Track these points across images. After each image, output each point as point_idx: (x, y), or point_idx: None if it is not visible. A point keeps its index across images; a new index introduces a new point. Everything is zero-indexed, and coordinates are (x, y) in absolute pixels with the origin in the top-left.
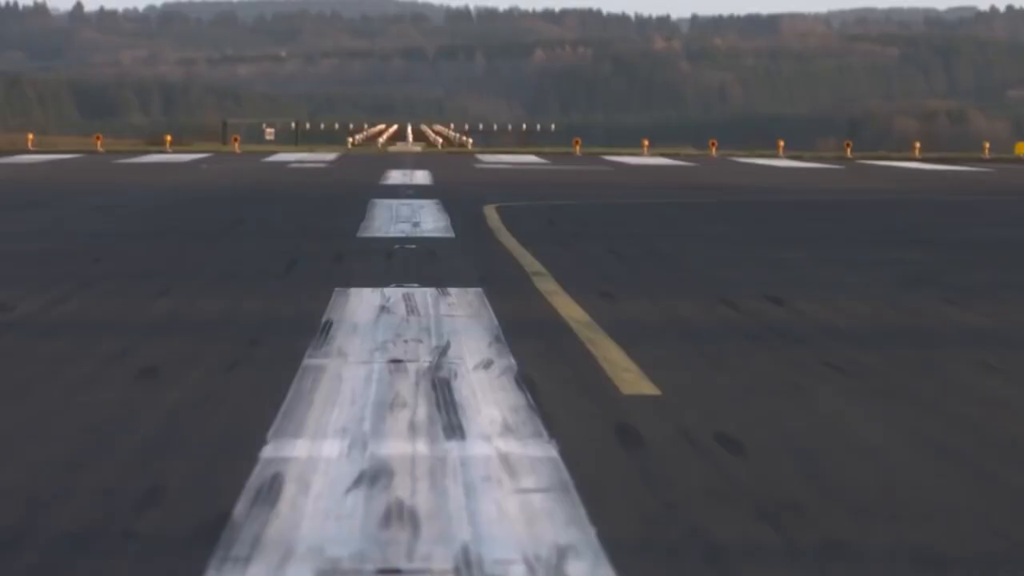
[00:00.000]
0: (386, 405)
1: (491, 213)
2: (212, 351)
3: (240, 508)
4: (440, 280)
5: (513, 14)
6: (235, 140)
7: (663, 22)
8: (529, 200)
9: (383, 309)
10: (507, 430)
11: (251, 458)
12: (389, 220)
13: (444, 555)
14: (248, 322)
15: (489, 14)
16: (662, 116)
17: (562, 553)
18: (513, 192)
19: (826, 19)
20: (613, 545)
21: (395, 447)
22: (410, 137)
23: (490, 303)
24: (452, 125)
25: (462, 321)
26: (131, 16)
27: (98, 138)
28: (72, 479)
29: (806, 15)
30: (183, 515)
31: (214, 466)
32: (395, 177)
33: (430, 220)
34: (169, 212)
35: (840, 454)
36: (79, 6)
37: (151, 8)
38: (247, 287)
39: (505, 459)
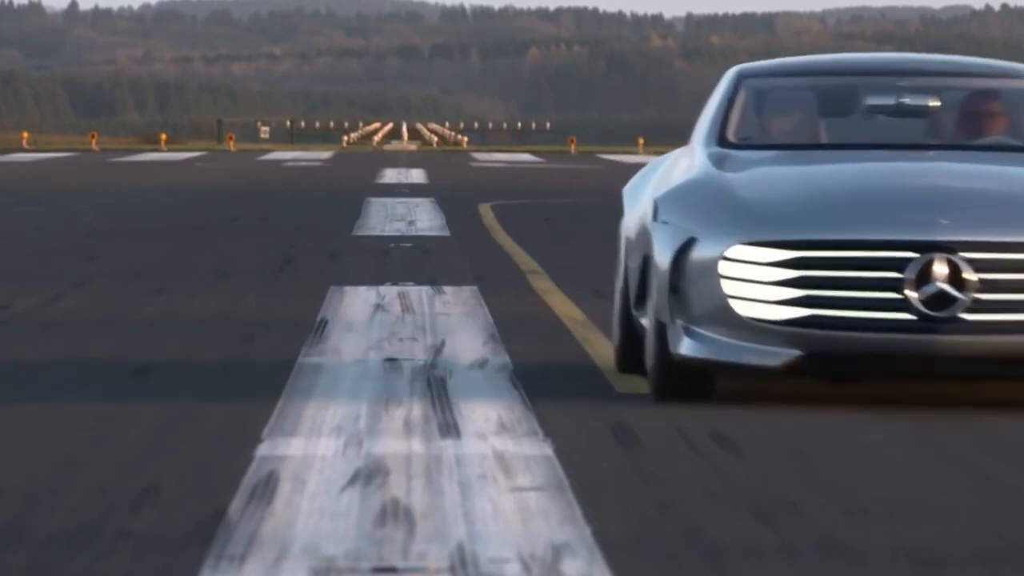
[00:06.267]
0: (381, 403)
1: (486, 211)
2: (207, 349)
3: (235, 506)
4: (435, 278)
5: (508, 12)
6: (230, 139)
7: (658, 20)
8: (524, 199)
9: (378, 307)
10: (502, 428)
11: (246, 456)
12: (384, 218)
13: (439, 553)
14: (243, 320)
15: (484, 12)
16: (658, 114)
17: (557, 551)
18: (508, 191)
19: (821, 17)
20: (608, 544)
21: (390, 445)
22: (405, 135)
23: (485, 301)
24: (447, 123)
25: (457, 319)
26: (126, 14)
27: (93, 136)
28: (67, 477)
29: (801, 13)
30: (178, 513)
31: (209, 464)
32: (390, 176)
33: (425, 218)
34: (164, 210)
35: (837, 453)
36: (74, 4)
37: (146, 7)
38: (242, 285)
39: (500, 457)
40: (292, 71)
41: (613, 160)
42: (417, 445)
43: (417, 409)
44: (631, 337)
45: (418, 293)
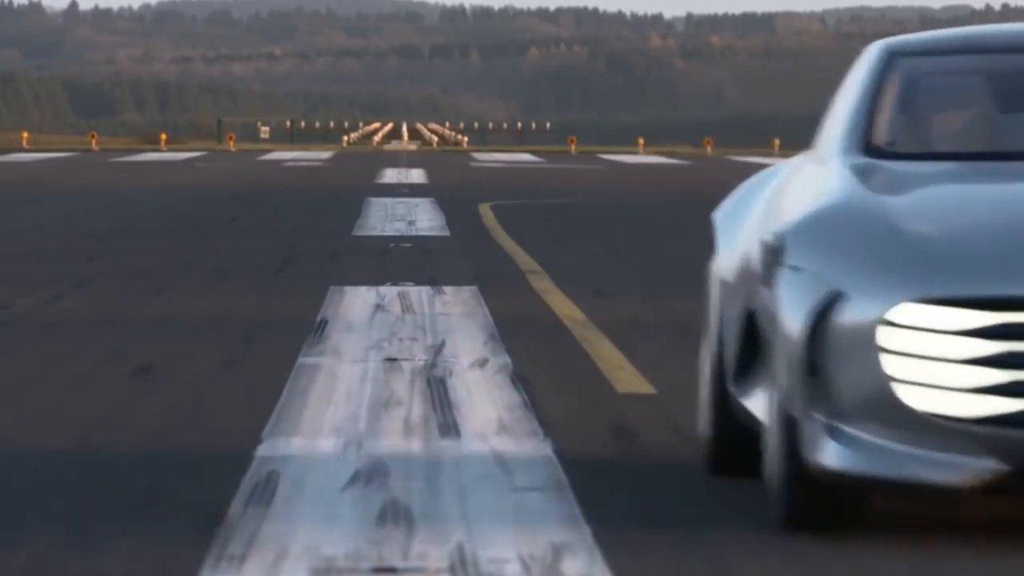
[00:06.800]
0: (381, 404)
1: (486, 211)
2: (207, 349)
3: (235, 506)
4: (435, 278)
5: (508, 12)
6: (230, 139)
7: (657, 20)
8: (524, 199)
9: (378, 307)
10: (502, 429)
11: (246, 456)
12: (384, 218)
13: (439, 554)
14: (243, 320)
15: (484, 12)
16: (657, 114)
17: (557, 552)
18: (508, 191)
19: (821, 17)
20: (608, 544)
21: (390, 446)
22: (405, 135)
23: (485, 301)
24: (447, 123)
25: (457, 319)
26: (126, 14)
27: (93, 136)
28: (67, 477)
29: (801, 13)
30: (178, 513)
31: (209, 464)
32: (390, 176)
33: (425, 218)
34: (164, 210)
35: None
36: (74, 4)
37: (146, 7)
38: (242, 285)
39: (500, 458)
40: (292, 71)
41: (613, 160)
42: (417, 445)
43: (417, 409)
44: (728, 422)
45: (418, 293)
